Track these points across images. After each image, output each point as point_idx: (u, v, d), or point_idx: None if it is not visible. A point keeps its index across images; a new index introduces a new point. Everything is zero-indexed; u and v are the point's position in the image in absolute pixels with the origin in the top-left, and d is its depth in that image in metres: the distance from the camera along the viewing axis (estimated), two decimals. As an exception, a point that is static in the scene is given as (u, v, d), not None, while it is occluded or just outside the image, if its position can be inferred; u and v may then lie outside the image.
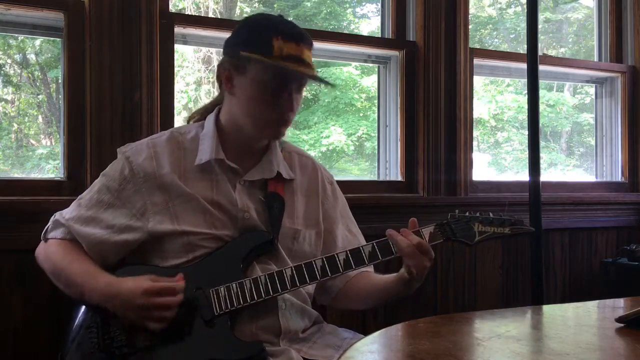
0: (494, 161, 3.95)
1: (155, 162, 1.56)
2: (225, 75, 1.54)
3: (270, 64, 1.46)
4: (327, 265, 1.50)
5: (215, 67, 1.61)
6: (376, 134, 2.67)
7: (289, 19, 1.57)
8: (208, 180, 1.56)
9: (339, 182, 1.81)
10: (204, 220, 1.53)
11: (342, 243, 1.68)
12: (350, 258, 1.51)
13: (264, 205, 1.58)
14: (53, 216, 1.60)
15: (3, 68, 2.42)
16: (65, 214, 1.58)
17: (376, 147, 2.67)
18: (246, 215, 1.55)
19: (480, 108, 3.75)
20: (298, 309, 1.58)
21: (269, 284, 1.47)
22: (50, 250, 1.57)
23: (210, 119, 1.61)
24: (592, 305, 1.61)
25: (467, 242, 1.55)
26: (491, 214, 1.58)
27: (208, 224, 1.53)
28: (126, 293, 1.42)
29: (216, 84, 1.64)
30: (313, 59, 1.55)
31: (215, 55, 3.10)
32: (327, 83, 1.59)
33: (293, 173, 1.66)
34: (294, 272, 1.49)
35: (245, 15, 3.25)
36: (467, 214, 1.57)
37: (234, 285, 1.47)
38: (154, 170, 1.55)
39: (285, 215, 1.60)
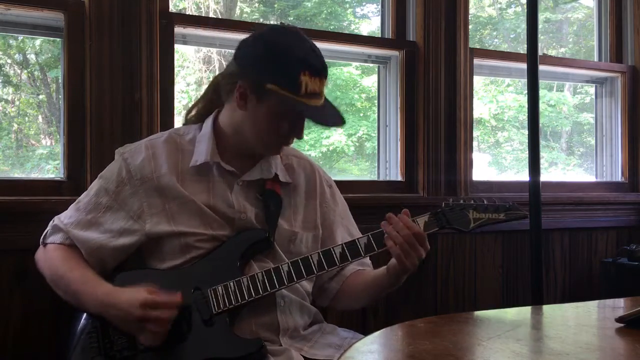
0: (494, 161, 3.95)
1: (153, 163, 1.56)
2: (241, 93, 1.49)
3: (295, 101, 1.44)
4: (323, 259, 1.50)
5: (217, 69, 1.61)
6: (376, 134, 2.67)
7: (311, 41, 1.51)
8: (205, 182, 1.56)
9: (339, 182, 1.81)
10: (200, 221, 1.53)
11: None
12: (347, 251, 1.51)
13: (261, 205, 1.58)
14: (52, 221, 1.59)
15: (3, 68, 2.42)
16: (63, 219, 1.57)
17: (376, 147, 2.67)
18: (242, 216, 1.55)
19: (481, 108, 3.74)
20: (297, 306, 1.58)
21: (266, 280, 1.47)
22: (49, 256, 1.56)
23: (208, 121, 1.61)
24: (592, 305, 1.61)
25: (462, 230, 1.55)
26: (485, 201, 1.58)
27: (205, 224, 1.53)
28: (123, 304, 1.40)
29: (221, 89, 1.59)
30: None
31: (216, 55, 3.09)
32: (339, 119, 1.53)
33: (291, 176, 1.66)
34: (291, 267, 1.49)
35: (245, 15, 3.24)
36: (461, 201, 1.57)
37: (231, 283, 1.47)
38: (151, 172, 1.55)
39: (283, 217, 1.60)
